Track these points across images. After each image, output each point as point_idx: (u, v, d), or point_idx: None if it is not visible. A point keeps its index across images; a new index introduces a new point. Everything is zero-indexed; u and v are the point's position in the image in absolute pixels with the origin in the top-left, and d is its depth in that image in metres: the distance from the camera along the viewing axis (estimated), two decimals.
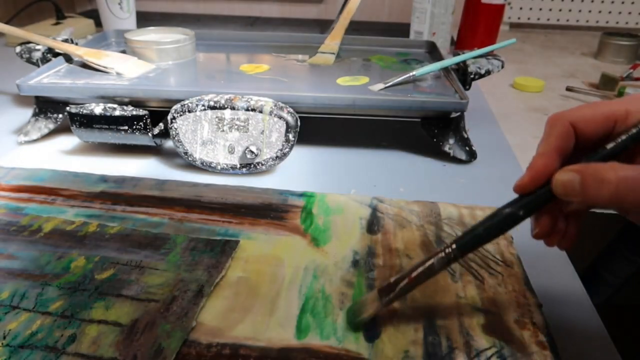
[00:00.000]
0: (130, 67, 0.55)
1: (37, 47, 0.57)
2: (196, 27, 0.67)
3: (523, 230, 0.39)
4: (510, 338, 0.28)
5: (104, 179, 0.44)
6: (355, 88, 0.53)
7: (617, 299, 0.92)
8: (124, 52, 0.60)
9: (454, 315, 0.30)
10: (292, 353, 0.27)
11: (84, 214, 0.39)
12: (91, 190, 0.42)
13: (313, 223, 0.39)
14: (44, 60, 0.56)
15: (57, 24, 0.91)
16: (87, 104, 0.47)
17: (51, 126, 0.52)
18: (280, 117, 0.45)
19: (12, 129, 0.56)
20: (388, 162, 0.50)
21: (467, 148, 0.50)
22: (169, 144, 0.53)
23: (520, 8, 1.14)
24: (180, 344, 0.27)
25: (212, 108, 0.45)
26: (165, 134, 0.48)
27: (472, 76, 0.54)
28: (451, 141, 0.50)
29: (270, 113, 0.45)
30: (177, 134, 0.46)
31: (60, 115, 0.52)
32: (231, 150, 0.46)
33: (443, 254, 0.27)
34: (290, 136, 0.45)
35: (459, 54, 0.56)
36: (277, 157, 0.46)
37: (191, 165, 0.48)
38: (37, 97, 0.52)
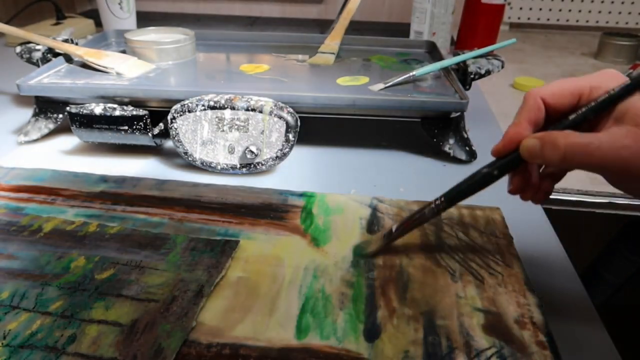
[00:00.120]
0: (130, 67, 0.55)
1: (37, 47, 0.57)
2: (196, 27, 0.67)
3: (523, 230, 0.39)
4: (510, 338, 0.28)
5: (104, 179, 0.44)
6: (355, 88, 0.53)
7: (617, 299, 0.92)
8: (124, 52, 0.60)
9: (454, 315, 0.30)
10: (292, 353, 0.27)
11: (84, 214, 0.39)
12: (91, 190, 0.42)
13: (313, 223, 0.39)
14: (44, 60, 0.56)
15: (57, 24, 0.91)
16: (87, 104, 0.47)
17: (51, 126, 0.52)
18: (280, 117, 0.45)
19: (12, 129, 0.56)
20: (388, 162, 0.50)
21: (467, 148, 0.50)
22: (169, 144, 0.53)
23: (520, 8, 1.14)
24: (180, 344, 0.27)
25: (212, 108, 0.45)
26: (165, 134, 0.48)
27: (472, 76, 0.54)
28: (451, 141, 0.50)
29: (270, 113, 0.45)
30: (177, 134, 0.46)
31: (60, 115, 0.52)
32: (231, 150, 0.46)
33: (433, 205, 0.32)
34: (290, 136, 0.45)
35: (459, 54, 0.55)
36: (277, 157, 0.46)
37: (191, 165, 0.48)
38: (37, 97, 0.52)
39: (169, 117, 0.45)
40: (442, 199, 0.32)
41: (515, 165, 0.29)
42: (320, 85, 0.54)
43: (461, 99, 0.49)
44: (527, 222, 0.41)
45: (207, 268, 0.33)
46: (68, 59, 0.58)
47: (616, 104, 0.26)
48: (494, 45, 0.53)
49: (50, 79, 0.53)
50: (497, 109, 0.67)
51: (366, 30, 1.00)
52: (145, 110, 0.46)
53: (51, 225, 0.37)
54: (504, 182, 0.47)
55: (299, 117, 0.46)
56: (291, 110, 0.46)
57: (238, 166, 0.46)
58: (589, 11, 1.13)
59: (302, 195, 0.42)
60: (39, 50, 0.56)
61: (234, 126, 0.45)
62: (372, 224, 0.39)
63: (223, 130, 0.45)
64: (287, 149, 0.46)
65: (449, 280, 0.33)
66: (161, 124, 0.48)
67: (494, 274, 0.33)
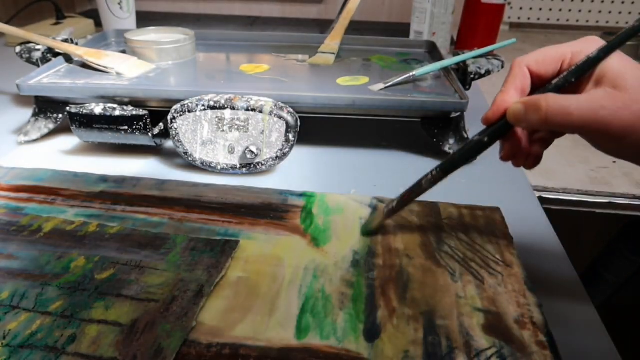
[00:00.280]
0: (130, 67, 0.55)
1: (37, 47, 0.57)
2: (196, 27, 0.67)
3: (523, 230, 0.39)
4: (510, 338, 0.28)
5: (104, 179, 0.44)
6: (355, 88, 0.53)
7: (617, 299, 0.92)
8: (124, 52, 0.60)
9: (454, 315, 0.30)
10: (292, 353, 0.27)
11: (84, 214, 0.39)
12: (91, 190, 0.42)
13: (313, 223, 0.39)
14: (44, 60, 0.56)
15: (57, 24, 0.91)
16: (87, 104, 0.47)
17: (51, 126, 0.52)
18: (280, 117, 0.45)
19: (12, 129, 0.56)
20: (388, 162, 0.50)
21: None
22: (169, 144, 0.53)
23: (520, 8, 1.14)
24: (180, 344, 0.27)
25: (212, 108, 0.45)
26: (165, 134, 0.48)
27: (472, 76, 0.54)
28: (451, 141, 0.50)
29: (270, 113, 0.45)
30: (177, 134, 0.46)
31: (60, 115, 0.52)
32: (231, 150, 0.46)
33: (430, 175, 0.34)
34: (290, 136, 0.45)
35: (459, 54, 0.55)
36: (277, 157, 0.46)
37: (191, 165, 0.48)
38: (37, 97, 0.52)
39: (169, 117, 0.45)
40: (438, 169, 0.33)
41: (505, 131, 0.30)
42: (320, 85, 0.54)
43: (461, 99, 0.49)
44: (527, 222, 0.41)
45: (207, 268, 0.33)
46: (68, 59, 0.58)
47: (595, 67, 0.28)
48: (494, 45, 0.53)
49: (50, 79, 0.53)
50: None
51: (366, 30, 1.00)
52: (145, 110, 0.46)
53: (51, 225, 0.37)
54: (503, 182, 0.47)
55: (299, 117, 0.46)
56: (291, 110, 0.46)
57: (238, 166, 0.46)
58: (589, 11, 1.13)
59: (302, 195, 0.42)
60: (39, 50, 0.56)
61: (234, 126, 0.45)
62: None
63: (223, 130, 0.45)
64: (287, 149, 0.46)
65: (449, 280, 0.33)
66: (161, 124, 0.48)
67: (494, 274, 0.33)
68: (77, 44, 0.60)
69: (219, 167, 0.46)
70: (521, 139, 0.31)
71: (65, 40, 0.58)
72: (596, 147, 0.29)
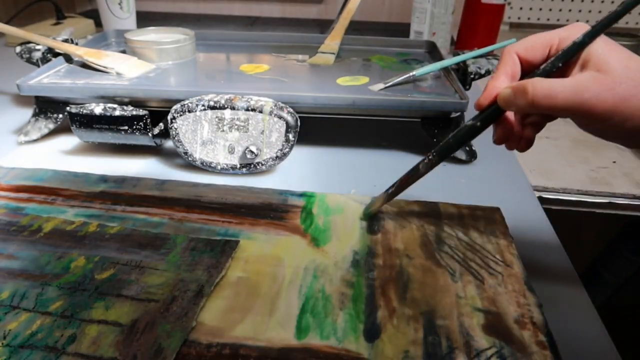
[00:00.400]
0: (130, 67, 0.55)
1: (37, 47, 0.57)
2: (196, 27, 0.67)
3: (523, 230, 0.39)
4: (510, 338, 0.28)
5: (104, 179, 0.44)
6: (355, 88, 0.53)
7: (617, 299, 0.92)
8: (124, 52, 0.60)
9: (454, 315, 0.30)
10: (292, 353, 0.27)
11: (84, 214, 0.39)
12: (91, 190, 0.42)
13: (313, 223, 0.39)
14: (44, 60, 0.56)
15: (57, 24, 0.91)
16: (87, 104, 0.47)
17: (51, 126, 0.52)
18: (280, 117, 0.45)
19: (12, 129, 0.56)
20: (388, 162, 0.50)
21: (467, 148, 0.50)
22: (169, 144, 0.53)
23: (520, 8, 1.14)
24: (180, 344, 0.27)
25: (212, 108, 0.45)
26: (165, 134, 0.48)
27: (472, 76, 0.54)
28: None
29: (270, 113, 0.45)
30: (177, 134, 0.46)
31: (60, 115, 0.52)
32: (231, 150, 0.46)
33: (426, 159, 0.35)
34: (290, 136, 0.45)
35: (459, 54, 0.55)
36: (277, 157, 0.46)
37: (191, 165, 0.48)
38: (37, 97, 0.52)
39: (169, 117, 0.45)
40: (434, 153, 0.35)
41: (496, 116, 0.32)
42: (320, 85, 0.54)
43: (461, 99, 0.49)
44: (527, 222, 0.41)
45: (207, 268, 0.33)
46: (68, 59, 0.58)
47: (581, 51, 0.29)
48: (494, 45, 0.53)
49: (50, 79, 0.53)
50: None
51: (366, 30, 1.00)
52: (145, 110, 0.46)
53: (51, 225, 0.37)
54: (503, 182, 0.47)
55: (299, 117, 0.46)
56: (291, 110, 0.46)
57: (238, 166, 0.46)
58: (589, 11, 1.13)
59: (302, 195, 0.42)
60: (39, 50, 0.56)
61: (234, 126, 0.45)
62: (372, 224, 0.39)
63: (223, 130, 0.45)
64: (287, 149, 0.46)
65: (449, 280, 0.33)
66: (161, 124, 0.48)
67: (494, 274, 0.33)
68: (77, 44, 0.60)
69: (219, 167, 0.46)
70: (513, 123, 0.33)
71: (65, 40, 0.58)
72: (582, 128, 0.30)
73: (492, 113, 0.32)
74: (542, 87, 0.28)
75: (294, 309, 0.30)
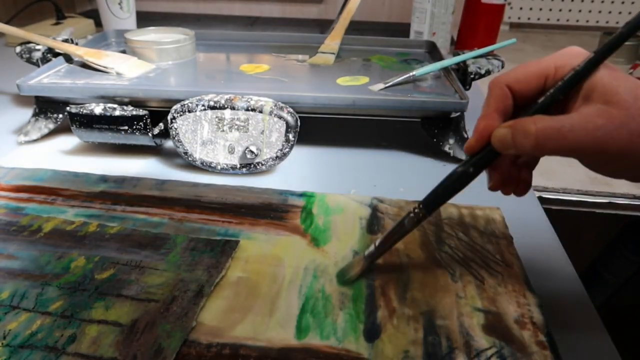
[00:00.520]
0: (130, 67, 0.55)
1: (37, 47, 0.57)
2: (196, 27, 0.67)
3: (523, 230, 0.39)
4: (510, 338, 0.28)
5: (104, 179, 0.44)
6: (355, 88, 0.53)
7: (617, 299, 0.92)
8: (124, 52, 0.60)
9: (454, 315, 0.30)
10: (292, 353, 0.27)
11: (84, 214, 0.39)
12: (91, 190, 0.42)
13: (313, 223, 0.39)
14: (44, 60, 0.56)
15: (57, 24, 0.91)
16: (87, 104, 0.47)
17: (51, 126, 0.52)
18: (280, 117, 0.45)
19: (12, 129, 0.56)
20: (388, 162, 0.50)
21: None
22: (169, 144, 0.53)
23: (520, 8, 1.14)
24: (180, 344, 0.27)
25: (212, 108, 0.45)
26: (165, 134, 0.48)
27: (472, 76, 0.54)
28: (451, 141, 0.50)
29: (270, 113, 0.45)
30: (177, 134, 0.46)
31: (60, 115, 0.52)
32: (231, 150, 0.46)
33: (412, 213, 0.30)
34: (290, 136, 0.45)
35: (459, 54, 0.55)
36: (277, 157, 0.46)
37: (191, 165, 0.48)
38: (37, 97, 0.52)
39: (169, 117, 0.45)
40: (420, 206, 0.30)
41: (491, 159, 0.28)
42: (320, 85, 0.54)
43: (461, 99, 0.49)
44: (527, 222, 0.41)
45: (207, 268, 0.33)
46: (68, 59, 0.58)
47: (583, 81, 0.25)
48: (494, 45, 0.53)
49: (50, 79, 0.53)
50: None
51: (366, 30, 1.00)
52: (145, 110, 0.46)
53: (51, 225, 0.37)
54: None
55: (299, 117, 0.46)
56: (291, 110, 0.46)
57: (238, 166, 0.46)
58: (589, 11, 1.13)
59: (302, 195, 0.42)
60: (39, 50, 0.56)
61: (234, 126, 0.45)
62: (372, 224, 0.39)
63: (223, 130, 0.45)
64: (287, 149, 0.46)
65: (449, 280, 0.33)
66: (161, 124, 0.48)
67: (494, 274, 0.33)
68: (77, 44, 0.60)
69: (219, 167, 0.46)
70: (508, 166, 0.30)
71: (65, 40, 0.58)
72: (590, 167, 0.27)
73: (485, 156, 0.28)
74: (548, 127, 0.24)
75: (294, 309, 0.30)
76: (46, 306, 0.30)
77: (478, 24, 0.88)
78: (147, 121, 0.46)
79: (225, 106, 0.45)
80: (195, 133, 0.46)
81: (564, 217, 0.51)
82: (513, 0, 1.13)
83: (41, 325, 0.29)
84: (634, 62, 0.85)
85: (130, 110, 0.46)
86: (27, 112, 0.55)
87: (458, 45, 0.92)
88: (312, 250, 0.36)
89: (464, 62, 0.55)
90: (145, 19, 0.98)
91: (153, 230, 0.37)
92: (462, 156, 0.50)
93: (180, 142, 0.46)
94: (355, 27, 0.90)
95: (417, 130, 0.51)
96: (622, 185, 0.50)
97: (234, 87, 0.53)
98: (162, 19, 1.11)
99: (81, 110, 0.46)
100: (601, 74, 0.25)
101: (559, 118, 0.25)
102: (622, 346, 0.31)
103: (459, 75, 0.55)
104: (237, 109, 0.45)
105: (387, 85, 0.52)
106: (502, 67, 0.54)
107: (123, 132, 0.47)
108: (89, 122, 0.46)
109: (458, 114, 0.50)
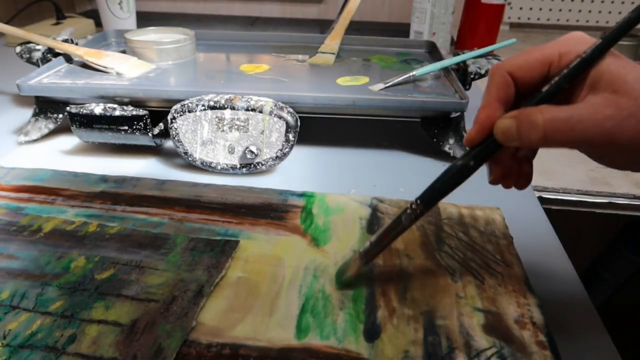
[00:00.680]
0: (130, 67, 0.55)
1: (37, 47, 0.57)
2: (196, 27, 0.67)
3: (523, 230, 0.39)
4: (510, 338, 0.28)
5: (104, 179, 0.44)
6: (355, 88, 0.53)
7: (617, 299, 0.92)
8: (124, 52, 0.60)
9: (454, 315, 0.30)
10: (292, 353, 0.27)
11: (84, 214, 0.39)
12: (91, 190, 0.42)
13: (313, 223, 0.39)
14: (44, 60, 0.56)
15: (57, 24, 0.91)
16: (87, 104, 0.47)
17: (51, 126, 0.52)
18: (280, 117, 0.45)
19: (12, 129, 0.56)
20: (388, 162, 0.50)
21: (467, 148, 0.50)
22: (169, 144, 0.53)
23: (520, 8, 1.14)
24: (180, 344, 0.27)
25: (212, 108, 0.45)
26: (165, 134, 0.48)
27: (472, 76, 0.54)
28: (451, 141, 0.50)
29: (270, 113, 0.45)
30: (177, 134, 0.46)
31: (60, 115, 0.52)
32: (231, 150, 0.46)
33: (409, 210, 0.29)
34: (290, 136, 0.45)
35: (459, 54, 0.55)
36: (277, 157, 0.46)
37: (191, 165, 0.48)
38: (37, 97, 0.52)
39: (169, 117, 0.45)
40: (418, 201, 0.29)
41: (492, 152, 0.27)
42: (320, 85, 0.54)
43: (461, 99, 0.49)
44: (527, 222, 0.41)
45: (207, 268, 0.33)
46: (68, 59, 0.58)
47: (590, 69, 0.24)
48: (494, 45, 0.53)
49: (50, 79, 0.53)
50: None
51: (366, 30, 1.00)
52: (145, 110, 0.46)
53: (51, 225, 0.37)
54: None
55: (299, 117, 0.46)
56: (291, 110, 0.46)
57: (238, 166, 0.46)
58: (589, 11, 1.13)
59: (302, 195, 0.42)
60: (39, 50, 0.56)
61: (234, 126, 0.45)
62: (372, 224, 0.39)
63: (223, 130, 0.45)
64: (287, 149, 0.46)
65: (449, 280, 0.33)
66: (161, 124, 0.48)
67: (494, 274, 0.33)
68: (77, 44, 0.60)
69: (219, 167, 0.46)
70: (509, 159, 0.28)
71: (65, 40, 0.58)
72: (599, 161, 0.26)
73: (486, 149, 0.26)
74: (555, 118, 0.23)
75: (294, 309, 0.30)
76: (46, 306, 0.30)
77: (478, 24, 0.88)
78: (147, 121, 0.46)
79: (225, 106, 0.45)
80: (195, 133, 0.46)
81: (564, 217, 0.51)
82: (513, 0, 1.13)
83: (41, 325, 0.29)
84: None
85: (130, 110, 0.46)
86: (27, 112, 0.55)
87: (458, 45, 0.92)
88: (312, 250, 0.36)
89: (464, 62, 0.55)
90: (145, 19, 0.98)
91: (153, 230, 0.37)
92: None
93: (180, 142, 0.46)
94: (355, 27, 0.91)
95: (417, 130, 0.51)
96: (622, 185, 0.50)
97: (234, 87, 0.53)
98: (162, 19, 1.10)
99: (81, 110, 0.46)
100: (608, 61, 0.24)
101: (566, 108, 0.23)
102: (622, 346, 0.31)
103: (459, 75, 0.55)
104: (237, 109, 0.45)
105: (387, 85, 0.52)
106: None
107: (123, 132, 0.47)
108: (89, 122, 0.46)
109: (458, 114, 0.50)
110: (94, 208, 0.40)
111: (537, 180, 0.50)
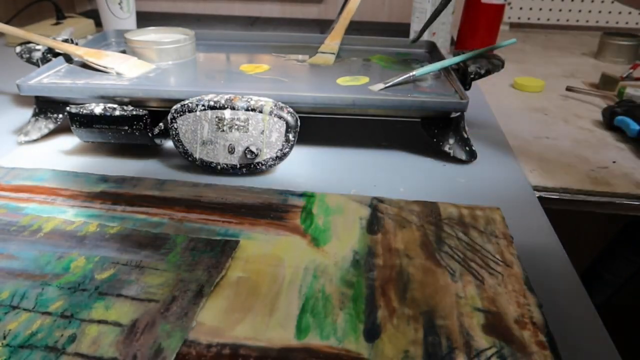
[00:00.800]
0: (130, 67, 0.55)
1: (37, 47, 0.57)
2: (196, 27, 0.67)
3: (523, 230, 0.39)
4: (510, 338, 0.28)
5: (104, 179, 0.44)
6: (355, 88, 0.53)
7: (617, 299, 0.92)
8: (124, 52, 0.60)
9: (454, 315, 0.30)
10: (292, 353, 0.27)
11: (84, 214, 0.39)
12: (91, 190, 0.42)
13: (313, 223, 0.39)
14: (44, 60, 0.56)
15: (57, 24, 0.91)
16: (87, 104, 0.47)
17: (51, 126, 0.52)
18: (280, 117, 0.45)
19: (12, 129, 0.56)
20: (388, 162, 0.50)
21: (467, 148, 0.50)
22: (169, 144, 0.53)
23: (520, 8, 1.14)
24: (180, 344, 0.27)
25: (212, 108, 0.45)
26: (165, 134, 0.48)
27: (472, 76, 0.54)
28: (451, 141, 0.50)
29: (270, 113, 0.45)
30: (177, 134, 0.46)
31: (60, 115, 0.52)
32: (231, 150, 0.46)
33: None
34: (290, 136, 0.45)
35: (459, 54, 0.55)
36: (277, 157, 0.46)
37: (191, 165, 0.48)
38: (37, 97, 0.52)
39: (169, 117, 0.45)
40: None
41: None
42: (320, 85, 0.54)
43: (461, 99, 0.49)
44: (527, 222, 0.41)
45: (207, 268, 0.33)
46: (68, 59, 0.58)
47: None
48: (494, 45, 0.53)
49: (50, 79, 0.53)
50: (497, 109, 0.67)
51: (366, 30, 1.00)
52: (145, 110, 0.46)
53: (51, 225, 0.37)
54: (503, 182, 0.47)
55: (299, 117, 0.46)
56: (291, 110, 0.46)
57: (238, 166, 0.46)
58: (589, 11, 1.13)
59: (302, 195, 0.42)
60: (39, 50, 0.56)
61: (234, 126, 0.45)
62: (372, 224, 0.39)
63: (223, 130, 0.45)
64: (287, 149, 0.46)
65: (449, 280, 0.33)
66: (161, 124, 0.48)
67: (494, 274, 0.33)
68: (77, 44, 0.60)
69: (219, 167, 0.46)
70: None
71: (65, 40, 0.58)
72: None
73: None
74: None
75: (294, 309, 0.30)
76: (46, 306, 0.30)
77: (478, 24, 0.88)
78: (147, 121, 0.46)
79: (225, 106, 0.45)
80: (195, 133, 0.46)
81: (564, 217, 0.51)
82: (513, 0, 1.13)
83: (41, 325, 0.29)
84: (634, 62, 0.85)
85: (130, 110, 0.46)
86: (27, 112, 0.55)
87: (458, 45, 0.92)
88: (312, 250, 0.36)
89: (464, 62, 0.55)
90: (145, 19, 0.98)
91: (153, 230, 0.37)
92: (463, 156, 0.50)
93: (180, 142, 0.46)
94: (355, 27, 0.91)
95: (417, 130, 0.51)
96: (622, 185, 0.50)
97: (234, 87, 0.53)
98: (162, 19, 1.11)
99: (81, 110, 0.46)
100: None
101: None
102: (622, 346, 0.31)
103: (459, 75, 0.55)
104: (237, 109, 0.45)
105: (387, 85, 0.52)
106: (502, 67, 0.54)
107: (123, 132, 0.47)
108: (89, 122, 0.46)
109: (458, 114, 0.50)
110: (94, 208, 0.40)
111: (537, 180, 0.50)
